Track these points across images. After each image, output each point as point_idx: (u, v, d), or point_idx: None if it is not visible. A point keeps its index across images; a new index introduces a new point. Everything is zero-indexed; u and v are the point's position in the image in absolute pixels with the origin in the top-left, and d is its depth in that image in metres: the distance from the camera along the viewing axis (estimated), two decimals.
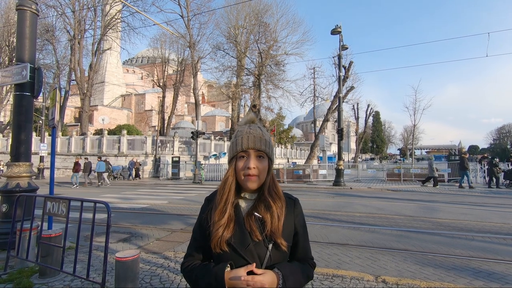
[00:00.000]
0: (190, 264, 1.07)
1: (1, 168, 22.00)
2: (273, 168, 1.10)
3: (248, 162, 1.01)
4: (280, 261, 1.02)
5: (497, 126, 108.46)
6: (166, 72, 34.39)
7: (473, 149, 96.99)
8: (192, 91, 29.19)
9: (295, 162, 29.86)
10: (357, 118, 44.55)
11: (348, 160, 47.18)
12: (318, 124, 31.72)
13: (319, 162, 25.55)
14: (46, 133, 23.36)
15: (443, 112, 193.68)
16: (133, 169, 20.27)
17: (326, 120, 23.10)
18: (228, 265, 0.97)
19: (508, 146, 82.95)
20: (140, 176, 20.97)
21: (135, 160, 20.76)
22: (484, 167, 16.96)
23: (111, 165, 20.16)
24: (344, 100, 22.04)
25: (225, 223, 0.99)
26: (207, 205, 1.11)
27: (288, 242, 1.03)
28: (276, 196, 1.04)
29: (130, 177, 20.07)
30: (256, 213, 1.01)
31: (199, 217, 1.12)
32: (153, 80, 37.14)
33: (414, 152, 47.05)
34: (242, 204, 1.07)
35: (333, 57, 22.31)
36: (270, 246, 0.99)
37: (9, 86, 18.80)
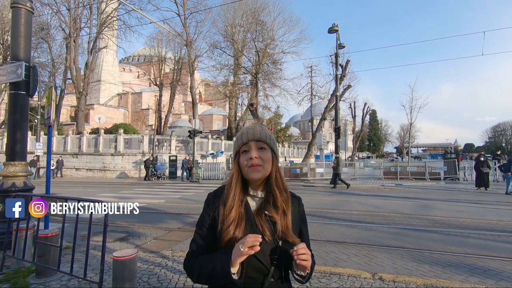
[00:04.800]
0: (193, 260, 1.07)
1: None
2: (278, 163, 1.10)
3: (249, 154, 1.03)
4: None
5: (492, 125, 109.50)
6: (163, 71, 34.20)
7: (468, 147, 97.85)
8: (189, 90, 29.12)
9: (293, 161, 29.90)
10: (354, 117, 44.74)
11: (345, 159, 47.35)
12: (316, 122, 31.81)
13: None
14: (42, 132, 23.18)
15: (438, 111, 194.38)
16: (187, 168, 18.34)
17: (323, 118, 23.18)
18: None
19: (503, 144, 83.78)
20: (198, 177, 17.97)
21: (187, 158, 18.96)
22: None
23: (154, 163, 18.90)
24: (341, 99, 22.10)
25: (235, 221, 0.99)
26: (213, 201, 1.09)
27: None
28: (282, 188, 1.06)
29: (185, 178, 18.05)
30: (266, 212, 1.03)
31: (203, 212, 1.11)
32: (150, 79, 36.98)
33: (411, 150, 47.36)
34: (251, 202, 1.08)
35: (330, 56, 22.42)
36: (280, 243, 1.00)
37: (4, 84, 18.63)
